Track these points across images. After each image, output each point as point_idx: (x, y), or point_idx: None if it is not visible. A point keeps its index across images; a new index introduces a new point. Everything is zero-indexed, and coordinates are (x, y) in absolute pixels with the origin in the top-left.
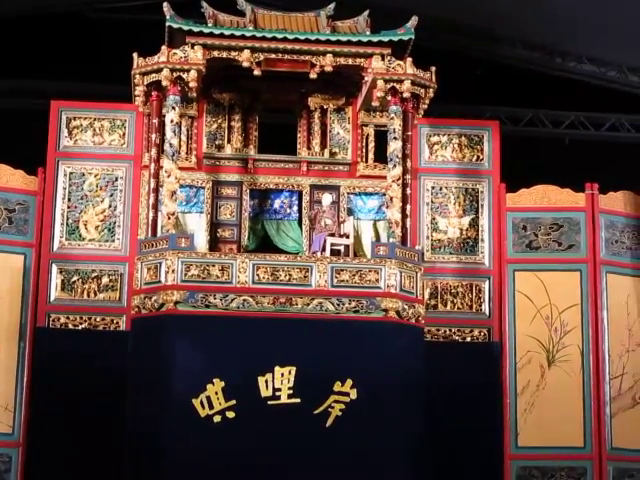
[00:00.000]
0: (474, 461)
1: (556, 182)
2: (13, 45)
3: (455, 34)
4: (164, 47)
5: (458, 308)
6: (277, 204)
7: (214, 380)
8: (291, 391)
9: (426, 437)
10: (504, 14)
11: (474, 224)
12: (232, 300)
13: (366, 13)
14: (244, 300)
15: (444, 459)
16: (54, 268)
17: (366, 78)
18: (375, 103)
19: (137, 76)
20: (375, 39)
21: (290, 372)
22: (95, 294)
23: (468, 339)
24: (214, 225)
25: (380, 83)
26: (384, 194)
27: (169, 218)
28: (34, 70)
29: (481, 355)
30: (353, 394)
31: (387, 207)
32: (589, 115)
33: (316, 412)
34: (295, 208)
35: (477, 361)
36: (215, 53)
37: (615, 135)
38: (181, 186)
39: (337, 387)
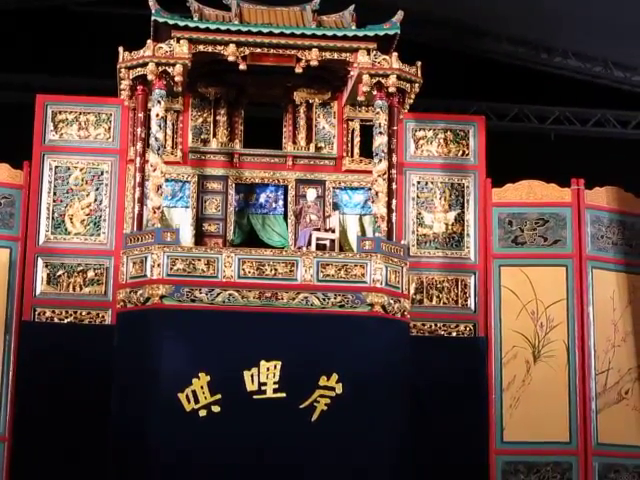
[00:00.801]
0: (459, 456)
1: (542, 177)
2: (0, 39)
3: (441, 29)
4: (150, 41)
5: (444, 303)
6: (263, 198)
7: (200, 374)
8: (277, 385)
9: (411, 431)
10: (489, 9)
11: (460, 219)
12: (218, 294)
13: (352, 7)
14: (230, 294)
15: (429, 453)
16: (40, 262)
17: (352, 72)
18: (361, 98)
19: (123, 70)
20: (361, 34)
21: (276, 366)
22: (81, 288)
23: (454, 334)
24: (200, 219)
25: (366, 78)
26: (370, 189)
27: (155, 212)
28: (19, 64)
29: (467, 350)
30: (339, 389)
31: (373, 202)
32: (575, 110)
33: (302, 406)
34: (281, 202)
35: (463, 356)
36: (201, 47)
37: (601, 130)
38: (167, 180)
39: (323, 381)
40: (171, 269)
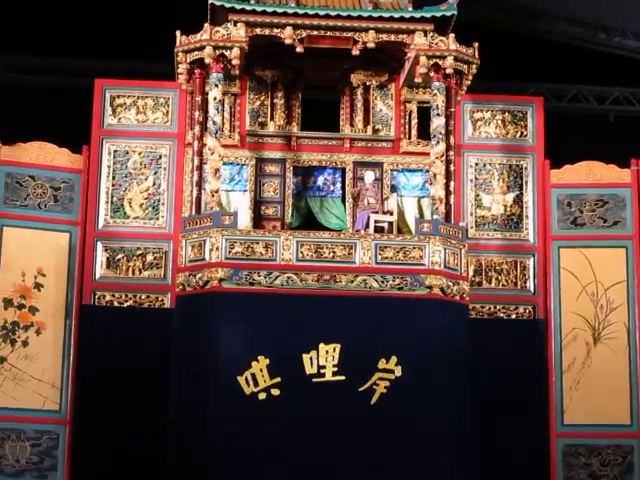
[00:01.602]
0: (519, 438)
1: (601, 158)
2: (58, 24)
3: (498, 10)
4: (207, 25)
5: (503, 285)
6: (320, 181)
7: (259, 357)
8: (336, 368)
9: (471, 414)
10: None
11: (518, 201)
12: (276, 277)
13: None
14: (288, 277)
15: (489, 436)
16: (99, 246)
17: (409, 54)
18: (418, 79)
19: (180, 54)
20: (417, 15)
21: (334, 349)
22: (140, 272)
23: (513, 316)
24: (258, 202)
25: (423, 59)
26: (427, 171)
27: (213, 195)
28: (78, 49)
29: (526, 332)
30: (398, 371)
31: (431, 184)
32: (634, 91)
33: (361, 389)
34: (338, 185)
35: (522, 338)
36: (257, 30)
37: None
38: (224, 163)
39: (382, 364)
40: (229, 252)
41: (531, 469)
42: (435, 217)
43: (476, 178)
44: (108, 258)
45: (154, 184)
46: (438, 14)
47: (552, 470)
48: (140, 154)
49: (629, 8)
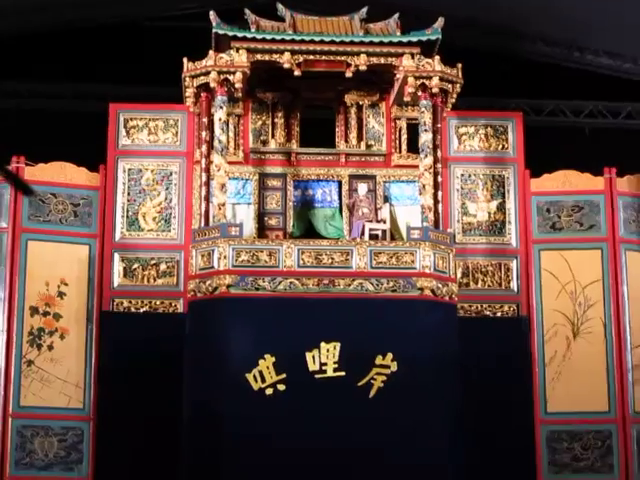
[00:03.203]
0: (506, 426)
1: (577, 168)
2: (77, 53)
3: (479, 33)
4: (211, 52)
5: (488, 286)
6: (319, 193)
7: (265, 356)
8: (336, 365)
9: (461, 404)
10: (524, 14)
11: (501, 208)
12: (279, 282)
13: (396, 16)
14: (290, 282)
15: (478, 424)
16: (116, 257)
17: (398, 75)
18: (407, 98)
19: (187, 79)
20: (405, 39)
21: (335, 347)
22: (154, 280)
23: (498, 314)
24: (261, 214)
25: (411, 80)
26: (417, 182)
27: (220, 209)
28: (94, 75)
29: (511, 329)
30: (394, 367)
31: (420, 194)
32: (607, 104)
33: (360, 384)
34: (336, 197)
35: (507, 334)
36: (258, 56)
37: (632, 122)
38: (230, 179)
39: (379, 360)
40: (236, 260)
41: (518, 454)
42: (425, 224)
43: (462, 188)
44: (125, 268)
45: (166, 199)
46: (424, 38)
47: (537, 454)
48: (152, 171)
49: (600, 29)
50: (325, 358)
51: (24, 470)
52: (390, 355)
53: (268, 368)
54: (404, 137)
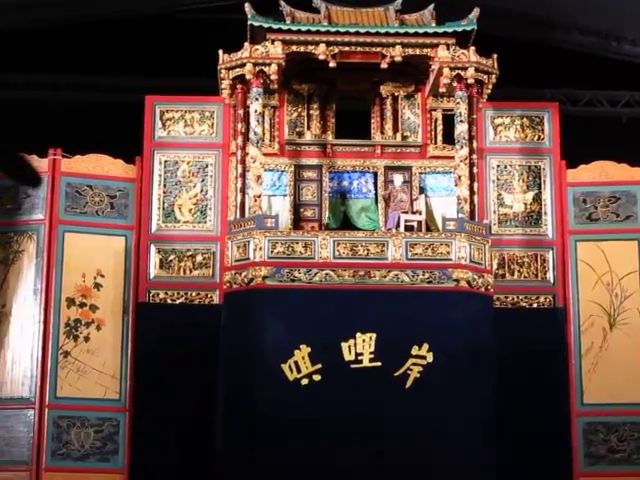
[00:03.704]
0: (542, 417)
1: (614, 158)
2: (114, 45)
3: (515, 22)
4: (247, 44)
5: (524, 277)
6: (354, 184)
7: (301, 346)
8: (372, 355)
9: (497, 395)
10: (560, 3)
11: (537, 199)
12: (315, 274)
13: (431, 6)
14: (326, 274)
15: (514, 415)
16: (152, 248)
17: (433, 66)
18: (442, 89)
19: (223, 71)
20: (440, 30)
21: (371, 338)
22: (190, 271)
23: (534, 305)
24: (297, 205)
25: (446, 71)
26: (453, 173)
27: (255, 200)
28: (131, 67)
29: (547, 320)
30: (430, 357)
31: (456, 185)
32: None
33: (396, 374)
34: (371, 188)
35: (543, 325)
36: (293, 48)
37: None
38: (266, 170)
39: (415, 351)
40: (272, 252)
41: (554, 446)
42: (460, 216)
43: (498, 179)
44: (161, 259)
45: (202, 191)
46: (459, 29)
47: (574, 446)
48: (188, 163)
49: (637, 18)
50: (361, 348)
51: (60, 461)
52: (426, 346)
53: (304, 358)
54: (440, 128)
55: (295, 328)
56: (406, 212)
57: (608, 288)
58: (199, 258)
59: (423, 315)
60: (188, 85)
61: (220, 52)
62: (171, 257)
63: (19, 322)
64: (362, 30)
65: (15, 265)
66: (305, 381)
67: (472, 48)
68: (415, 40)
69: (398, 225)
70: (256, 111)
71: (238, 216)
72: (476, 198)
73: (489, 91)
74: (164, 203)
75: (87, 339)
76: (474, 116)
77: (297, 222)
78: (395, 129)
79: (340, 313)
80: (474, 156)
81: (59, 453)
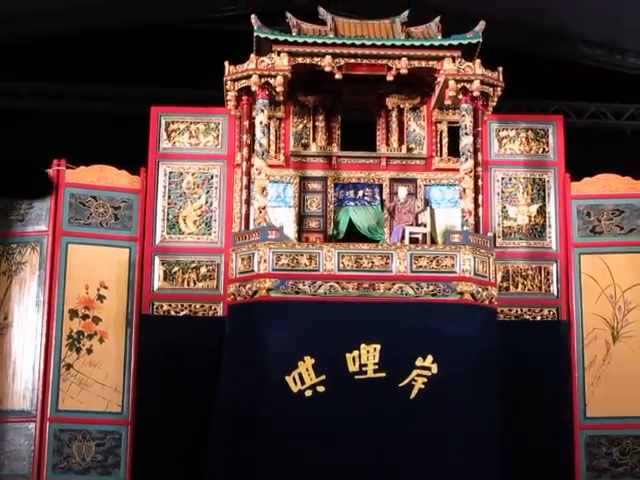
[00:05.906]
0: (545, 430)
1: (618, 170)
2: (119, 56)
3: (520, 35)
4: (253, 55)
5: (528, 289)
6: (360, 194)
7: (305, 357)
8: (377, 366)
9: (500, 408)
10: (565, 16)
11: (541, 211)
12: (320, 286)
13: (437, 19)
14: (331, 286)
15: (517, 428)
16: (156, 260)
17: (438, 79)
18: (447, 102)
19: (229, 82)
20: (446, 43)
21: (375, 349)
22: (194, 283)
23: (538, 318)
24: (302, 217)
25: (451, 83)
26: (458, 185)
27: (260, 212)
28: (137, 78)
29: (550, 333)
30: (434, 369)
31: (460, 197)
32: None
33: (401, 385)
34: (377, 198)
35: (547, 338)
36: (299, 59)
37: None
38: (271, 182)
39: (419, 362)
40: (276, 264)
41: (557, 459)
42: (465, 228)
43: (502, 191)
44: (165, 271)
45: (206, 202)
46: (465, 42)
47: (576, 459)
48: (193, 175)
49: None
50: (365, 359)
51: (61, 474)
52: (430, 357)
53: (307, 370)
54: (445, 140)
55: (299, 340)
56: (411, 224)
57: (611, 301)
58: (203, 270)
59: (427, 327)
60: (193, 96)
61: (226, 63)
62: (175, 269)
63: (21, 334)
64: (368, 42)
65: (18, 276)
66: (309, 392)
67: (478, 61)
68: (421, 52)
69: (403, 238)
70: (261, 122)
71: (243, 228)
72: (481, 211)
73: (494, 103)
74: (168, 214)
75: (90, 351)
76: (479, 128)
77: (301, 233)
78: (400, 141)
79: (344, 325)
80: (479, 168)
81: (60, 467)
